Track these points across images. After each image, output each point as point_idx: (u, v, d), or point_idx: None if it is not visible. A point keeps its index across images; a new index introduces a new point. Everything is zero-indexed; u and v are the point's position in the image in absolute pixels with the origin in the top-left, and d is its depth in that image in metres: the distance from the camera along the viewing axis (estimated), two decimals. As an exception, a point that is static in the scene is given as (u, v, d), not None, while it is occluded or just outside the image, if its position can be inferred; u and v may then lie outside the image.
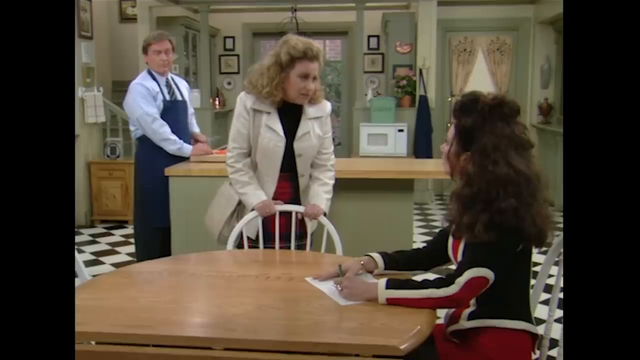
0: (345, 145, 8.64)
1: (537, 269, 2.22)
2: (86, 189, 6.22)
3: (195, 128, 4.08)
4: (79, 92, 5.98)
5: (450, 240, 1.97)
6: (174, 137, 3.72)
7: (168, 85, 3.84)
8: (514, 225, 1.74)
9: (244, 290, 1.98)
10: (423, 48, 7.08)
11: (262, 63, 2.68)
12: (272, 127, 2.67)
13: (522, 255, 1.83)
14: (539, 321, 3.14)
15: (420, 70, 7.05)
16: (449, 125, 7.78)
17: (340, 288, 1.86)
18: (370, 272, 2.06)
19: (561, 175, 1.44)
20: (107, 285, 2.06)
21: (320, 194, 2.78)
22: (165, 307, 1.82)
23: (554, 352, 2.73)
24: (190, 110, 4.03)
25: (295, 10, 7.84)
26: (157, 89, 3.75)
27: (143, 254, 3.82)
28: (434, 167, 4.11)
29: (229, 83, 8.74)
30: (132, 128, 3.86)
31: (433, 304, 1.76)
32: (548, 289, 2.67)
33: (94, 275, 2.54)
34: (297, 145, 2.71)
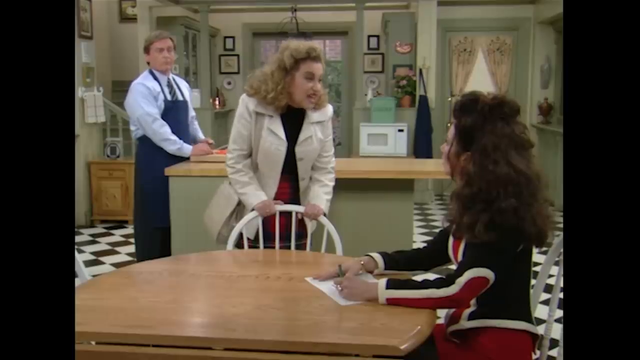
0: (345, 145, 8.64)
1: (537, 269, 2.22)
2: (86, 189, 6.22)
3: (199, 133, 4.08)
4: (79, 92, 5.98)
5: (451, 240, 1.97)
6: (174, 137, 3.72)
7: (169, 85, 3.84)
8: (514, 225, 1.74)
9: (244, 290, 1.98)
10: (423, 48, 7.08)
11: (263, 70, 2.68)
12: (274, 131, 2.67)
13: (523, 255, 1.83)
14: (539, 321, 3.14)
15: (420, 70, 7.05)
16: (448, 125, 7.78)
17: (340, 288, 1.86)
18: (370, 272, 2.06)
19: (561, 175, 1.44)
20: (107, 285, 2.06)
21: (320, 194, 2.78)
22: (165, 307, 1.82)
23: (554, 352, 2.73)
24: (192, 113, 4.03)
25: (295, 10, 7.84)
26: (159, 88, 3.75)
27: (143, 254, 3.82)
28: (434, 167, 4.11)
29: (229, 83, 8.74)
30: (132, 128, 3.86)
31: (433, 304, 1.76)
32: (548, 289, 2.66)
33: (94, 275, 2.54)
34: (298, 149, 2.71)
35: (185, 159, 3.78)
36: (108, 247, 5.44)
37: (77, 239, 5.66)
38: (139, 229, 3.97)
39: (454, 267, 1.90)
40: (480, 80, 7.89)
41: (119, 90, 7.55)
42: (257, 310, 1.79)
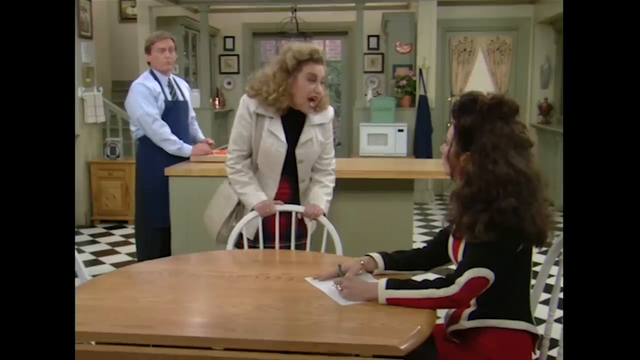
0: (345, 145, 8.65)
1: (537, 269, 2.22)
2: (86, 189, 6.22)
3: (199, 133, 4.08)
4: (79, 92, 5.98)
5: (451, 240, 1.97)
6: (174, 137, 3.72)
7: (170, 85, 3.84)
8: (514, 225, 1.74)
9: (244, 290, 1.98)
10: (423, 48, 7.08)
11: (265, 71, 2.67)
12: (274, 133, 2.67)
13: (523, 255, 1.83)
14: (539, 321, 3.14)
15: (420, 70, 7.05)
16: (448, 125, 7.78)
17: (340, 288, 1.86)
18: (370, 272, 2.06)
19: (561, 175, 1.44)
20: (107, 285, 2.06)
21: (320, 195, 2.78)
22: (165, 307, 1.82)
23: (554, 352, 2.73)
24: (192, 114, 4.04)
25: (295, 10, 7.84)
26: (159, 89, 3.75)
27: (143, 254, 3.83)
28: (434, 167, 4.11)
29: (229, 83, 8.74)
30: (132, 128, 3.86)
31: (433, 304, 1.76)
32: (548, 289, 2.67)
33: (94, 275, 2.55)
34: (298, 151, 2.71)
35: (185, 159, 3.79)
36: (108, 247, 5.44)
37: (77, 239, 5.66)
38: (140, 229, 3.97)
39: (454, 267, 1.90)
40: (480, 80, 7.89)
41: (118, 90, 7.56)
42: (257, 310, 1.79)
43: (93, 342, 1.66)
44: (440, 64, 7.62)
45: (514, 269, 1.82)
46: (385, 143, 6.79)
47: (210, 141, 4.02)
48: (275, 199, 2.76)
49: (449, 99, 7.90)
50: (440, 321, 1.95)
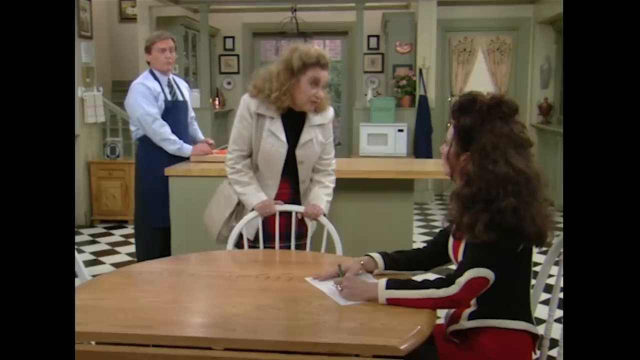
0: (345, 145, 8.64)
1: (537, 269, 2.22)
2: (86, 189, 6.22)
3: (198, 133, 4.08)
4: (79, 92, 5.98)
5: (451, 240, 1.97)
6: (174, 137, 3.72)
7: (170, 85, 3.84)
8: (514, 225, 1.74)
9: (243, 290, 1.98)
10: (423, 48, 7.08)
11: (269, 69, 2.67)
12: (274, 133, 2.67)
13: (523, 255, 1.83)
14: (539, 321, 3.14)
15: (420, 70, 7.05)
16: (448, 125, 7.78)
17: (340, 288, 1.86)
18: (370, 272, 2.06)
19: (561, 175, 1.44)
20: (107, 285, 2.06)
21: (320, 195, 2.78)
22: (165, 307, 1.82)
23: (554, 352, 2.73)
24: (191, 114, 4.04)
25: (295, 10, 7.84)
26: (159, 88, 3.75)
27: (143, 254, 3.83)
28: (434, 167, 4.11)
29: (229, 83, 8.74)
30: (132, 128, 3.86)
31: (433, 304, 1.76)
32: (548, 289, 2.67)
33: (93, 275, 2.54)
34: (299, 152, 2.71)
35: (185, 159, 3.79)
36: (108, 247, 5.44)
37: (77, 239, 5.66)
38: (139, 228, 3.97)
39: (454, 267, 1.90)
40: (480, 80, 7.89)
41: (118, 90, 7.55)
42: (257, 310, 1.79)
43: (93, 342, 1.66)
44: (440, 64, 7.62)
45: (514, 269, 1.82)
46: (385, 143, 6.79)
47: (211, 141, 4.03)
48: (276, 199, 2.76)
49: (449, 99, 7.90)
50: (440, 321, 1.95)
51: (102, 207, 6.26)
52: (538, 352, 1.99)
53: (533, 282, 2.10)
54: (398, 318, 1.70)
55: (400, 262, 2.09)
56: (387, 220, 3.59)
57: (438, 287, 1.75)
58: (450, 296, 1.74)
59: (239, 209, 2.83)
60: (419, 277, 1.87)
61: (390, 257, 2.08)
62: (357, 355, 1.55)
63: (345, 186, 3.26)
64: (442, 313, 1.97)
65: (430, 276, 1.90)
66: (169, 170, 3.60)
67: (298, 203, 2.80)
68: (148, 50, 3.79)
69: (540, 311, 2.59)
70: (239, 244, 2.72)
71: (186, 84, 4.06)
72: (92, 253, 5.23)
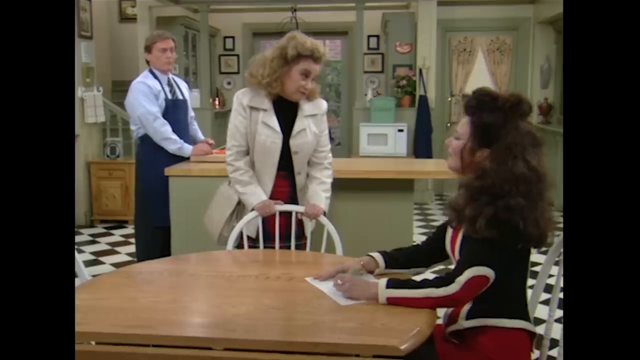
0: (345, 145, 8.64)
1: (537, 269, 2.22)
2: (86, 189, 6.22)
3: (198, 133, 4.09)
4: (79, 92, 5.98)
5: (449, 232, 1.97)
6: (174, 136, 3.72)
7: (169, 84, 3.84)
8: (517, 225, 1.74)
9: (244, 290, 1.98)
10: (423, 48, 7.08)
11: (265, 54, 2.70)
12: (268, 124, 2.69)
13: (521, 254, 1.83)
14: (539, 321, 3.14)
15: (420, 70, 7.05)
16: (448, 125, 7.79)
17: (340, 282, 1.86)
18: (371, 272, 2.06)
19: (561, 175, 1.44)
20: (107, 285, 2.06)
21: (318, 193, 2.78)
22: (165, 307, 1.82)
23: (554, 352, 2.73)
24: (191, 114, 4.04)
25: (295, 10, 7.84)
26: (159, 87, 3.75)
27: (144, 253, 3.82)
28: (434, 167, 4.11)
29: (229, 83, 8.74)
30: (133, 127, 3.86)
31: (433, 304, 1.76)
32: (548, 289, 2.67)
33: (94, 275, 2.54)
34: (293, 142, 2.72)
35: (186, 159, 3.79)
36: (108, 247, 5.44)
37: (77, 239, 5.66)
38: (140, 228, 3.97)
39: (452, 267, 1.90)
40: (480, 80, 7.88)
41: (118, 90, 7.55)
42: (257, 311, 1.79)
43: (93, 342, 1.66)
44: (440, 64, 7.62)
45: (513, 267, 1.82)
46: (385, 143, 6.79)
47: (211, 141, 4.03)
48: (274, 197, 2.76)
49: (449, 99, 7.90)
50: (440, 321, 1.95)
51: (102, 207, 6.26)
52: (537, 351, 1.99)
53: (533, 282, 2.10)
54: (398, 318, 1.70)
55: (400, 259, 2.09)
56: (387, 220, 3.59)
57: (437, 287, 1.75)
58: (449, 295, 1.74)
59: (240, 209, 2.83)
60: (418, 277, 1.87)
61: (390, 256, 2.09)
62: (357, 356, 1.55)
63: (345, 186, 3.26)
64: (441, 312, 1.97)
65: (430, 276, 1.90)
66: (169, 170, 3.60)
67: (296, 201, 2.80)
68: (148, 49, 3.79)
69: (540, 311, 2.59)
70: (239, 245, 2.72)
71: (186, 84, 4.06)
72: (92, 253, 5.23)
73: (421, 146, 6.99)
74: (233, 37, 8.67)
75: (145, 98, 3.68)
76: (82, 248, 5.35)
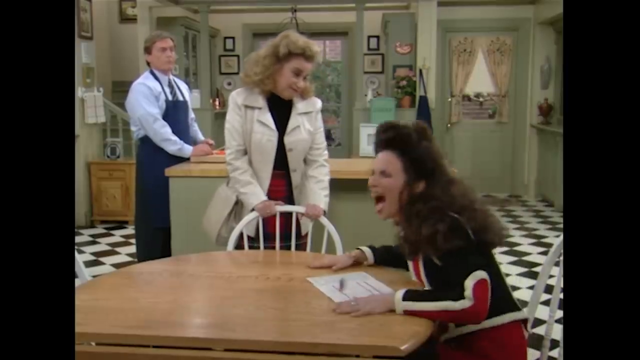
0: (345, 145, 8.64)
1: (537, 269, 2.22)
2: (86, 189, 6.22)
3: (199, 134, 4.09)
4: (79, 92, 5.98)
5: (411, 265, 2.02)
6: (174, 137, 3.72)
7: (170, 85, 3.84)
8: (464, 224, 1.79)
9: (244, 291, 1.98)
10: (423, 48, 7.08)
11: (258, 52, 2.74)
12: (263, 122, 2.71)
13: (486, 254, 1.86)
14: (540, 322, 3.14)
15: (420, 71, 7.05)
16: (448, 125, 7.79)
17: (354, 303, 1.78)
18: (360, 263, 2.18)
19: (561, 175, 1.44)
20: (107, 285, 2.06)
21: (317, 192, 2.79)
22: (165, 307, 1.82)
23: (554, 353, 2.73)
24: (191, 115, 4.04)
25: (295, 10, 7.84)
26: (160, 88, 3.76)
27: (144, 254, 3.83)
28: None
29: (229, 83, 8.74)
30: (133, 128, 3.87)
31: (451, 318, 1.75)
32: (549, 289, 2.66)
33: (94, 276, 2.54)
34: (287, 139, 2.74)
35: (186, 159, 3.79)
36: (108, 248, 5.44)
37: (77, 239, 5.66)
38: (140, 229, 3.97)
39: None
40: (480, 80, 7.91)
41: (119, 90, 7.55)
42: (257, 311, 1.79)
43: (93, 343, 1.66)
44: (440, 64, 7.62)
45: (488, 266, 1.81)
46: (385, 143, 6.78)
47: (211, 142, 4.03)
48: (271, 196, 2.76)
49: (449, 99, 7.91)
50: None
51: (102, 207, 6.26)
52: (537, 352, 1.99)
53: (533, 282, 2.10)
54: (398, 319, 1.70)
55: (387, 260, 2.18)
56: (387, 221, 3.58)
57: (455, 300, 1.71)
58: (466, 309, 1.69)
59: (238, 209, 2.84)
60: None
61: (379, 253, 2.20)
62: (357, 356, 1.55)
63: (345, 186, 3.26)
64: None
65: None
66: (169, 171, 3.60)
67: (293, 199, 2.82)
68: (148, 50, 3.79)
69: (540, 312, 2.59)
70: (238, 246, 2.72)
71: (186, 86, 4.06)
72: (93, 253, 5.23)
73: (421, 147, 6.98)
74: (233, 38, 8.68)
75: (145, 99, 3.68)
76: (83, 248, 5.35)
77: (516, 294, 3.98)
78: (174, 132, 3.73)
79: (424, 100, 7.00)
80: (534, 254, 4.96)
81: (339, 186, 2.97)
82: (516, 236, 5.70)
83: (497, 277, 1.87)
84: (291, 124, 2.75)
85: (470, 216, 1.82)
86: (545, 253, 5.14)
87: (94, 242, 5.64)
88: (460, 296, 1.71)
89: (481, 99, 8.02)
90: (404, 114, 7.11)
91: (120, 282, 2.11)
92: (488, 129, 8.02)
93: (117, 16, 8.43)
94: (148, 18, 7.19)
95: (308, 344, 1.56)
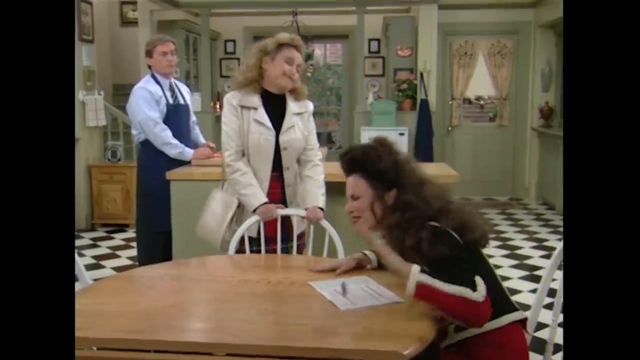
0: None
1: (540, 273, 2.22)
2: (87, 192, 6.22)
3: (200, 138, 4.09)
4: (80, 95, 5.99)
5: None
6: (175, 141, 3.72)
7: (171, 89, 3.84)
8: (453, 235, 1.78)
9: (245, 295, 1.98)
10: (424, 51, 7.09)
11: (246, 61, 2.85)
12: (260, 121, 2.74)
13: (475, 254, 1.86)
14: (543, 326, 3.13)
15: (421, 74, 7.05)
16: (449, 129, 7.80)
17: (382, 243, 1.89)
18: (364, 267, 2.18)
19: (562, 178, 1.44)
20: (108, 289, 2.06)
21: (314, 191, 2.81)
22: (166, 312, 1.82)
23: (558, 357, 2.72)
24: (193, 118, 4.04)
25: (296, 13, 7.84)
26: (161, 92, 3.76)
27: (145, 257, 3.82)
28: (435, 171, 4.09)
29: (230, 86, 8.74)
30: (134, 132, 3.87)
31: (461, 305, 1.66)
32: (552, 293, 2.66)
33: (95, 279, 2.54)
34: (282, 138, 2.78)
35: (187, 163, 3.79)
36: (109, 251, 5.43)
37: (78, 242, 5.66)
38: (141, 232, 3.97)
39: None
40: (481, 83, 7.91)
41: (119, 93, 7.56)
42: (259, 315, 1.79)
43: (94, 348, 1.65)
44: (441, 67, 7.62)
45: (479, 269, 1.79)
46: (386, 147, 6.78)
47: (212, 145, 4.03)
48: (268, 197, 2.77)
49: (450, 102, 7.91)
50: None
51: (103, 210, 6.26)
52: (540, 356, 1.98)
53: (534, 286, 2.09)
54: (400, 323, 1.69)
55: None
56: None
57: (473, 289, 1.67)
58: (481, 303, 1.66)
59: (239, 212, 2.84)
60: None
61: None
62: (359, 361, 1.54)
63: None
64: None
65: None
66: (170, 174, 3.60)
67: (285, 197, 2.85)
68: (149, 54, 3.79)
69: (543, 316, 2.58)
70: (238, 250, 2.72)
71: (187, 88, 4.07)
72: (93, 257, 5.23)
73: (422, 150, 6.98)
74: (234, 41, 8.68)
75: (145, 103, 3.68)
76: (83, 252, 5.34)
77: (517, 298, 3.99)
78: (175, 135, 3.73)
79: (424, 103, 7.01)
80: (535, 258, 4.95)
81: (339, 189, 2.95)
82: (517, 239, 5.71)
83: (490, 277, 1.83)
84: (286, 123, 2.79)
85: (449, 217, 1.82)
86: (546, 256, 5.14)
87: (94, 246, 5.63)
88: (474, 289, 1.67)
89: (482, 102, 8.02)
90: (404, 117, 7.12)
91: (121, 286, 2.11)
92: (489, 132, 8.01)
93: (118, 19, 8.45)
94: (149, 21, 7.20)
95: (310, 349, 1.56)
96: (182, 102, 3.89)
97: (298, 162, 2.89)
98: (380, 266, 2.17)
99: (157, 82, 3.78)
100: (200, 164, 3.76)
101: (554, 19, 6.89)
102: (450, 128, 7.97)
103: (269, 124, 2.75)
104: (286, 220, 2.77)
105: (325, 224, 2.72)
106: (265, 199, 2.73)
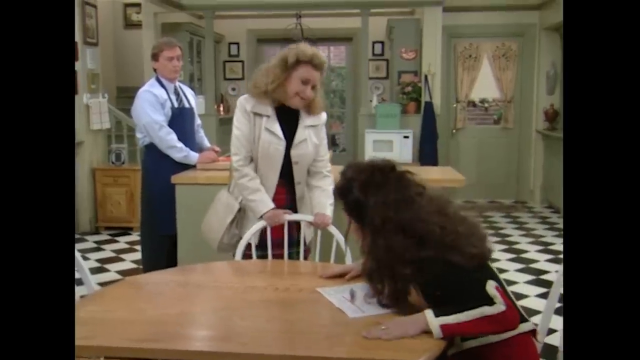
0: (350, 151, 8.63)
1: (545, 277, 2.20)
2: (91, 195, 6.21)
3: (205, 141, 4.08)
4: (84, 98, 5.98)
5: None
6: (180, 144, 3.71)
7: (176, 92, 3.83)
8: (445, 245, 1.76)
9: (252, 302, 1.96)
10: (428, 54, 7.07)
11: (267, 64, 2.74)
12: (271, 130, 2.70)
13: (480, 268, 1.81)
14: (553, 331, 3.10)
15: (426, 77, 7.03)
16: (454, 131, 7.77)
17: (383, 327, 1.72)
18: None
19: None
20: (114, 296, 2.04)
21: (322, 201, 2.79)
22: (174, 319, 1.80)
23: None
24: (198, 122, 4.03)
25: (300, 16, 7.84)
26: (165, 96, 3.75)
27: (149, 261, 3.81)
28: (440, 175, 4.08)
29: (234, 89, 8.75)
30: (139, 135, 3.85)
31: (489, 323, 1.65)
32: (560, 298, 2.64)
33: (99, 283, 2.53)
34: (294, 152, 2.73)
35: (192, 166, 3.78)
36: (113, 255, 5.42)
37: (82, 245, 5.65)
38: (146, 236, 3.96)
39: None
40: (486, 86, 7.89)
41: (123, 96, 7.56)
42: (267, 323, 1.77)
43: (102, 358, 1.63)
44: (445, 70, 7.61)
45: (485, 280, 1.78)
46: (390, 149, 6.77)
47: (217, 149, 4.02)
48: (274, 202, 2.76)
49: (455, 105, 7.89)
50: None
51: (107, 213, 6.25)
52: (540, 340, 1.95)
53: (541, 290, 2.07)
54: (410, 332, 1.67)
55: None
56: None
57: (490, 305, 1.65)
58: (503, 312, 1.65)
59: (240, 216, 2.82)
60: None
61: None
62: (369, 370, 1.53)
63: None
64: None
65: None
66: (175, 178, 3.59)
67: (293, 208, 2.81)
68: (155, 57, 3.78)
69: (554, 322, 2.56)
70: (244, 255, 2.70)
71: (192, 92, 4.06)
72: (97, 260, 5.21)
73: (427, 153, 6.97)
74: (238, 44, 8.68)
75: (150, 107, 3.67)
76: (87, 255, 5.33)
77: (524, 302, 3.96)
78: (180, 139, 3.72)
79: (429, 106, 6.99)
80: (542, 261, 4.93)
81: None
82: (522, 243, 5.68)
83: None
84: (298, 136, 2.74)
85: (444, 234, 1.77)
86: (552, 260, 5.11)
87: (98, 249, 5.62)
88: (491, 302, 1.66)
89: (486, 105, 8.00)
90: (409, 120, 7.10)
91: (127, 292, 2.09)
92: (493, 135, 7.99)
93: (122, 22, 8.45)
94: (153, 24, 7.20)
95: (321, 358, 1.54)
96: (187, 105, 3.88)
97: (307, 172, 2.85)
98: None
99: (162, 86, 3.77)
100: (205, 168, 3.75)
101: (559, 21, 6.86)
102: (454, 131, 7.95)
103: (280, 134, 2.71)
104: (292, 225, 2.74)
105: (332, 229, 2.71)
106: (272, 205, 2.71)
